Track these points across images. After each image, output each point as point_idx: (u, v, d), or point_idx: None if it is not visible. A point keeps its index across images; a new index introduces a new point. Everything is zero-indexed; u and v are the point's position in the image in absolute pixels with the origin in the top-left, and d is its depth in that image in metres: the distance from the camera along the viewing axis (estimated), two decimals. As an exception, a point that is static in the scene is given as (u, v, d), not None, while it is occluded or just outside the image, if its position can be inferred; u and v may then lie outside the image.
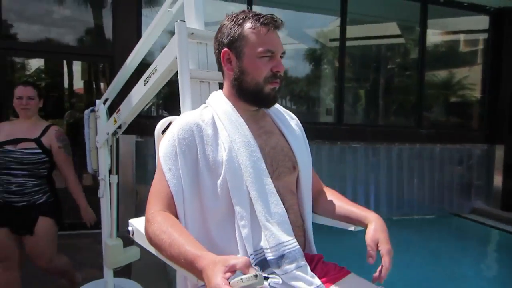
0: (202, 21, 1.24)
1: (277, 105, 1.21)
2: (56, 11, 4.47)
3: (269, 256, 0.96)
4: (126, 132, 4.08)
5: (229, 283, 0.71)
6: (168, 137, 1.04)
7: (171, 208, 0.99)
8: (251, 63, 1.04)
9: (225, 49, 1.06)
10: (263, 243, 0.97)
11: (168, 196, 0.99)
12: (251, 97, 1.08)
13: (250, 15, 1.05)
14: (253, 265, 0.96)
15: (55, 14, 4.48)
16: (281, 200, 1.03)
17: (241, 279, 0.71)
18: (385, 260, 0.99)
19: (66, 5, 4.44)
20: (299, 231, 1.08)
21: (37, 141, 2.13)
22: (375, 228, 1.04)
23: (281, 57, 1.07)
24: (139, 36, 4.23)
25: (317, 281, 0.98)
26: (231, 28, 1.05)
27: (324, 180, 1.30)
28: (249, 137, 1.04)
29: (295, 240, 1.01)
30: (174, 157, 1.01)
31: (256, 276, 0.71)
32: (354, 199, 4.87)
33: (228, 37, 1.06)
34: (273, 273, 0.97)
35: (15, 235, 2.13)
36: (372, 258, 0.99)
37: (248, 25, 1.04)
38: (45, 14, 4.47)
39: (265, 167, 1.02)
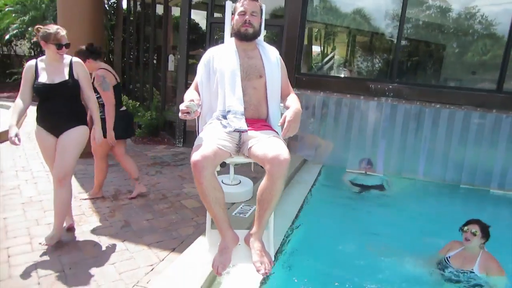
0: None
1: (266, 44, 2.21)
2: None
3: (226, 111, 1.98)
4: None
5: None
6: (202, 57, 2.17)
7: (197, 89, 2.14)
8: (235, 19, 2.09)
9: (232, 16, 2.14)
10: (227, 107, 1.98)
11: (196, 84, 2.15)
12: (236, 35, 2.11)
13: None
14: (221, 116, 2.00)
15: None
16: (243, 90, 2.01)
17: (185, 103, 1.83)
18: (285, 126, 1.80)
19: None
20: (250, 106, 2.05)
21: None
22: (288, 110, 1.86)
23: (253, 14, 2.05)
24: (303, 12, 5.16)
25: (244, 125, 1.90)
26: (234, 6, 2.15)
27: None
28: (234, 57, 2.06)
29: (241, 107, 1.97)
30: (201, 67, 2.13)
31: (192, 102, 1.82)
32: (505, 169, 4.54)
33: (233, 10, 2.14)
34: (226, 120, 1.95)
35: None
36: (280, 123, 1.84)
37: (238, 2, 2.11)
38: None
39: (239, 73, 2.02)
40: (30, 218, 3.09)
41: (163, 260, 2.60)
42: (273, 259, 1.89)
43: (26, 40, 12.13)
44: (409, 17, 5.38)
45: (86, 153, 4.96)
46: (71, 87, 2.68)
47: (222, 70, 2.03)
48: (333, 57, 7.21)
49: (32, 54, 12.83)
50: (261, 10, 2.14)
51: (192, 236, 2.97)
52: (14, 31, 10.75)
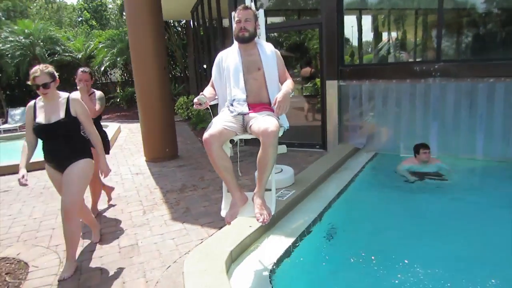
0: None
1: (263, 42, 2.72)
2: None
3: (232, 99, 2.50)
4: (330, 77, 5.49)
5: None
6: (215, 60, 2.70)
7: (212, 85, 2.73)
8: (234, 26, 2.60)
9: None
10: (232, 96, 2.48)
11: (211, 82, 2.75)
12: (236, 39, 2.61)
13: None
14: (229, 104, 2.50)
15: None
16: (245, 81, 2.51)
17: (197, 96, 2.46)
18: (276, 105, 2.28)
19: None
20: (252, 93, 2.53)
21: None
22: (279, 93, 2.36)
23: (247, 21, 2.54)
24: (339, 5, 5.37)
25: (245, 109, 2.38)
26: (233, 15, 2.65)
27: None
28: (237, 57, 2.59)
29: (244, 95, 2.48)
30: (214, 67, 2.70)
31: (202, 95, 2.44)
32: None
33: (233, 18, 2.64)
34: (232, 107, 2.43)
35: None
36: (272, 104, 2.37)
37: (235, 12, 2.61)
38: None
39: (241, 68, 2.54)
40: (117, 208, 3.97)
41: (211, 235, 3.18)
42: (272, 213, 2.35)
43: (118, 68, 14.24)
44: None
45: (160, 158, 5.91)
46: (67, 125, 2.63)
47: (228, 68, 2.57)
48: (386, 43, 7.14)
49: (124, 79, 14.96)
50: (255, 15, 2.61)
51: (238, 218, 3.51)
52: (107, 63, 12.77)
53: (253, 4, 3.12)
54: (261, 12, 2.75)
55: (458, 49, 5.52)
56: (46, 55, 13.05)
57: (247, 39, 2.57)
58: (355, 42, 6.25)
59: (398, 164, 4.74)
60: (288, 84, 2.49)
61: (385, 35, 6.81)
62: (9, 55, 12.46)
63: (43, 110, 2.63)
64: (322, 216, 3.47)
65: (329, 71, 5.59)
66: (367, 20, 6.66)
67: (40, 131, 2.61)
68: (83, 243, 3.17)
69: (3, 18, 16.90)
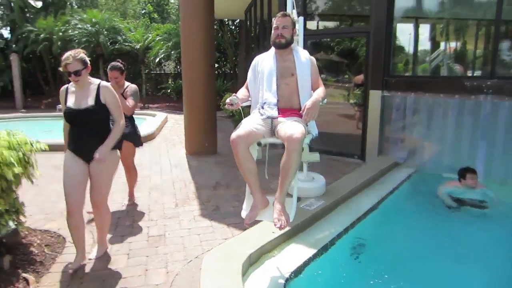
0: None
1: (299, 49, 2.78)
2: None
3: (263, 103, 2.57)
4: (374, 87, 5.38)
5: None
6: (252, 63, 2.82)
7: (247, 87, 2.85)
8: (272, 32, 2.66)
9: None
10: (264, 99, 2.56)
11: (246, 83, 2.86)
12: (273, 45, 2.69)
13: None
14: (260, 107, 2.58)
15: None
16: (278, 86, 2.56)
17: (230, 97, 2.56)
18: (304, 112, 2.30)
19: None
20: (283, 98, 2.61)
21: None
22: (309, 100, 2.42)
23: (284, 28, 2.60)
24: (389, 15, 5.20)
25: (275, 113, 2.45)
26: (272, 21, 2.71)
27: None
28: (272, 61, 2.66)
29: (275, 99, 2.55)
30: (250, 70, 2.81)
31: (234, 96, 2.55)
32: None
33: (272, 24, 2.70)
34: (263, 110, 2.54)
35: None
36: (301, 111, 2.44)
37: (274, 18, 2.67)
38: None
39: (275, 73, 2.62)
40: (152, 198, 4.21)
41: (235, 236, 3.28)
42: (291, 220, 2.39)
43: (171, 61, 14.84)
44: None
45: (199, 152, 6.10)
46: (96, 113, 2.59)
47: (263, 71, 2.65)
48: (441, 53, 6.79)
49: (177, 72, 15.56)
50: (293, 23, 2.66)
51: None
52: (162, 55, 13.37)
53: (294, 11, 3.15)
54: (300, 20, 2.78)
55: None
56: (108, 43, 13.93)
57: (283, 46, 2.63)
58: (410, 51, 6.03)
59: (440, 185, 4.39)
60: (319, 92, 2.51)
61: (439, 46, 6.48)
62: (76, 41, 13.44)
63: (74, 95, 2.62)
64: (349, 230, 3.41)
65: (374, 80, 5.45)
66: (423, 29, 6.39)
67: (70, 116, 2.61)
68: (115, 228, 3.41)
69: (76, 7, 18.20)
